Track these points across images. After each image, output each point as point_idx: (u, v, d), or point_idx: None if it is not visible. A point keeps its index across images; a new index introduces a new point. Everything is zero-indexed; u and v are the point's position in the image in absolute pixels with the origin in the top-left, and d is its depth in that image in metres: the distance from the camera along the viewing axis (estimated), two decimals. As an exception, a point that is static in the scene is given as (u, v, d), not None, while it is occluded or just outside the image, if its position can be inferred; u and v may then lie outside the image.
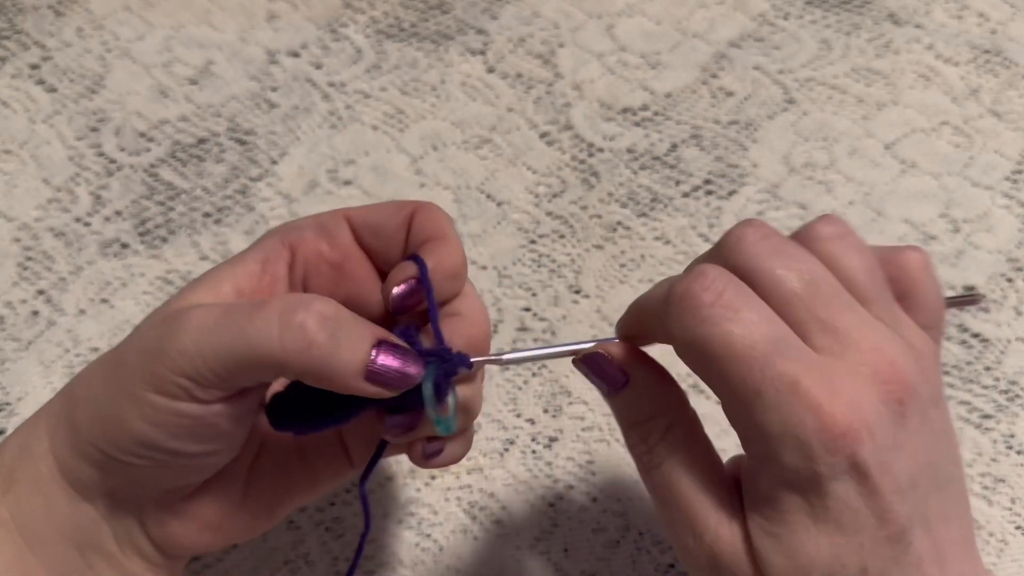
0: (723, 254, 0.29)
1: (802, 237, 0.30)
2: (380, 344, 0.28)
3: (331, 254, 0.33)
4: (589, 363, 0.32)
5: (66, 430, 0.30)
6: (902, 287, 0.30)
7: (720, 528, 0.28)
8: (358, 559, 0.35)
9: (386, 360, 0.28)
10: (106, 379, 0.30)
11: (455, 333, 0.31)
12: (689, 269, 0.29)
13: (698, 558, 0.29)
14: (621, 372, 0.31)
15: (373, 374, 0.28)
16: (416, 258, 0.31)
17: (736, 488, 0.29)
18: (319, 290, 0.33)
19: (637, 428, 0.31)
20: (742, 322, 0.27)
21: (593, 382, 0.32)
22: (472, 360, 0.30)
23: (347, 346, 0.28)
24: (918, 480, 0.27)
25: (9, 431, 0.43)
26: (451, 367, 0.30)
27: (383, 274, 0.34)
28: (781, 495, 0.27)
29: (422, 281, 0.31)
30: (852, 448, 0.26)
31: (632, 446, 0.31)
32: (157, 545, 0.32)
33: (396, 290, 0.31)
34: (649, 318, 0.31)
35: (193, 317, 0.28)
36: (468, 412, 0.32)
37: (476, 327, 0.32)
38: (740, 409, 0.27)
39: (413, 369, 0.29)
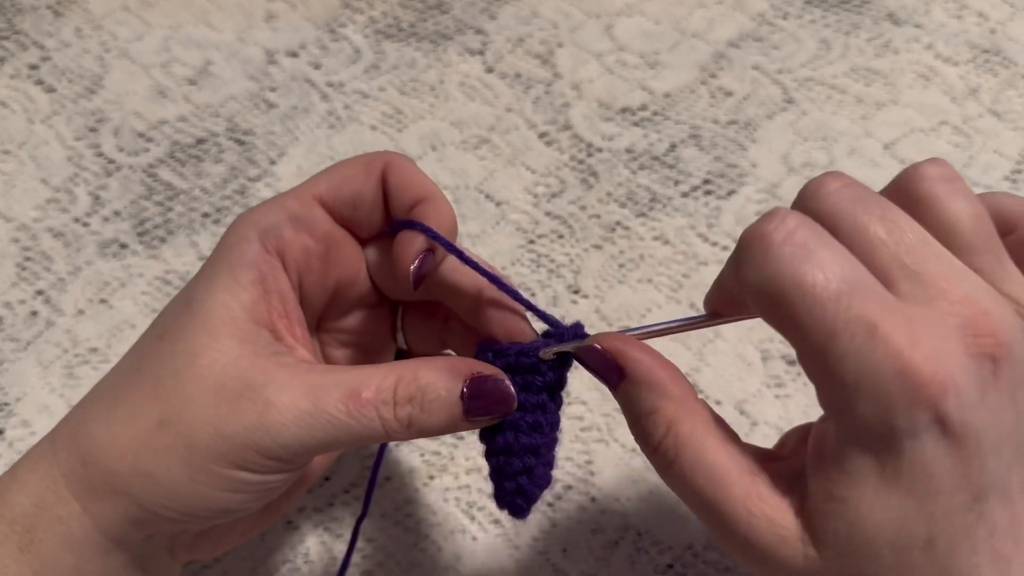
0: (802, 202, 0.28)
1: (906, 177, 0.28)
2: (464, 390, 0.30)
3: (316, 247, 0.32)
4: (583, 357, 0.30)
5: (113, 499, 0.29)
6: (1016, 241, 0.28)
7: (752, 519, 0.27)
8: (354, 543, 0.35)
9: (476, 400, 0.30)
10: (171, 456, 0.29)
11: (427, 219, 0.31)
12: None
13: (738, 551, 0.28)
14: (616, 366, 0.29)
15: (473, 414, 0.30)
16: (417, 225, 0.31)
17: (776, 468, 0.28)
18: (313, 288, 0.33)
19: (638, 424, 0.29)
20: (815, 261, 0.25)
21: (594, 375, 0.30)
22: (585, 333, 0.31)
23: (439, 410, 0.30)
24: (1002, 446, 0.25)
25: (7, 431, 0.44)
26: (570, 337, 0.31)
27: (361, 240, 0.34)
28: (851, 454, 0.25)
29: (455, 251, 0.31)
30: (935, 401, 0.24)
31: (640, 444, 0.30)
32: (179, 563, 0.33)
33: (414, 267, 0.31)
34: (728, 283, 0.29)
35: (285, 408, 0.28)
36: None
37: (446, 214, 0.32)
38: (813, 356, 0.25)
39: (504, 388, 0.30)
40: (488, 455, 0.31)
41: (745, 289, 0.27)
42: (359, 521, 0.36)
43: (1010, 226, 0.28)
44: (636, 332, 0.31)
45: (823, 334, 0.25)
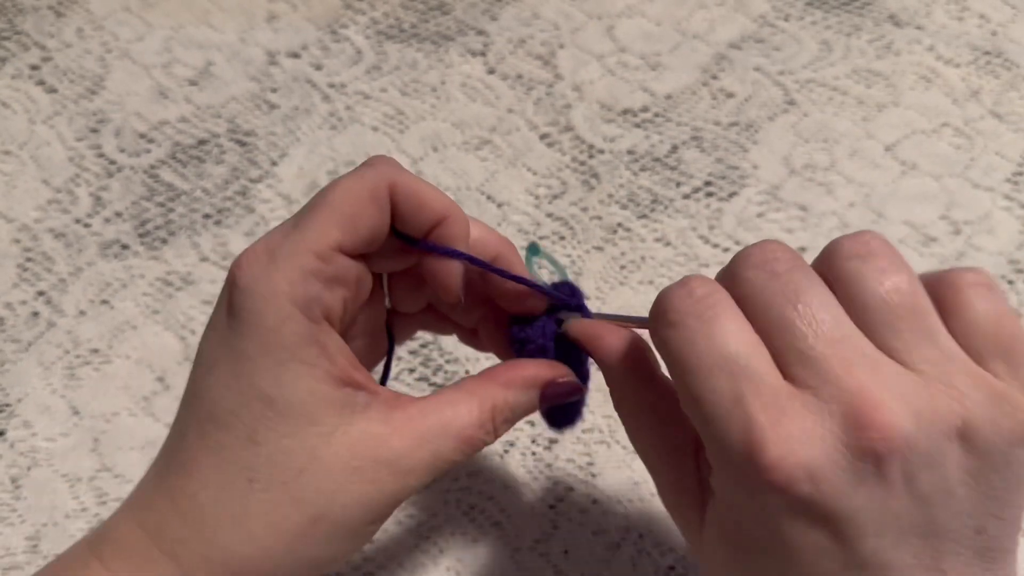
0: (730, 267, 0.29)
1: (825, 254, 0.28)
2: (542, 396, 0.33)
3: (350, 294, 0.31)
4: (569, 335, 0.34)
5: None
6: (952, 312, 0.26)
7: (680, 496, 0.31)
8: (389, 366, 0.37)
9: (551, 399, 0.34)
10: (333, 544, 0.31)
11: (453, 240, 0.32)
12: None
13: (670, 510, 0.32)
14: (573, 386, 0.34)
15: (547, 403, 0.34)
16: (454, 253, 0.31)
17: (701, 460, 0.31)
18: (348, 321, 0.32)
19: (611, 396, 0.33)
20: (705, 334, 0.26)
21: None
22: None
23: (524, 412, 0.33)
24: (885, 529, 0.25)
25: (9, 432, 0.44)
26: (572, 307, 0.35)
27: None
28: (724, 510, 0.28)
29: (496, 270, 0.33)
30: (783, 485, 0.25)
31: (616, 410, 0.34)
32: None
33: (461, 292, 0.32)
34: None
35: (416, 470, 0.31)
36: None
37: (466, 228, 0.33)
38: (692, 416, 0.28)
39: (574, 383, 0.34)
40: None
41: (653, 344, 0.29)
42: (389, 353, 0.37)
43: (941, 295, 0.27)
44: (612, 319, 0.35)
45: (692, 397, 0.27)
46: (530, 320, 0.34)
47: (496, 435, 0.33)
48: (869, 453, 0.24)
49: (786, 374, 0.26)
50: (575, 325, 0.34)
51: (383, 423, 0.31)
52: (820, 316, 0.26)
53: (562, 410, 0.35)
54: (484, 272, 0.33)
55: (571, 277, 0.48)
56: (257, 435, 0.29)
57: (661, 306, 0.28)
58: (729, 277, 0.28)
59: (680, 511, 0.31)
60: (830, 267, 0.27)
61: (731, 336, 0.26)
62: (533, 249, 0.35)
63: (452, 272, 0.32)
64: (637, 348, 0.33)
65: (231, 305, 0.29)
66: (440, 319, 0.37)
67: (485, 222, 0.49)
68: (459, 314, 0.36)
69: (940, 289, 0.27)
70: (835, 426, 0.25)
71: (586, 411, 0.44)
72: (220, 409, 0.30)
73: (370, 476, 0.30)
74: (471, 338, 0.37)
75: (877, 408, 0.24)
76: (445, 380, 0.45)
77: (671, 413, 0.31)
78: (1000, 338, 0.26)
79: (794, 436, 0.25)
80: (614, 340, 0.33)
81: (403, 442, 0.30)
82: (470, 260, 0.31)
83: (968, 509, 0.25)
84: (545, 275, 0.36)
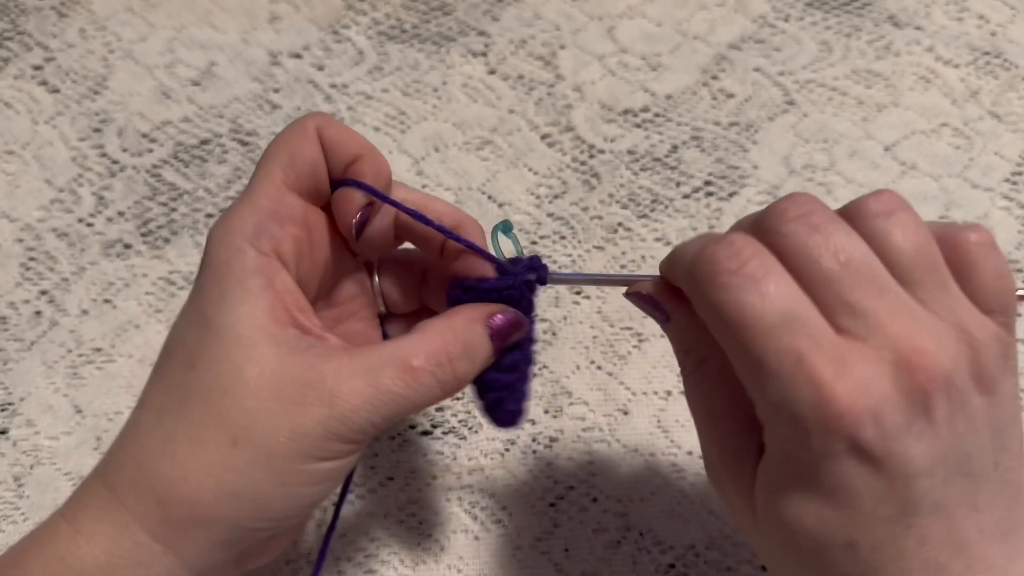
0: (763, 223, 0.29)
1: (850, 212, 0.29)
2: (490, 327, 0.33)
3: (301, 233, 0.33)
4: (635, 297, 0.34)
5: (198, 530, 0.30)
6: (960, 268, 0.29)
7: (724, 467, 0.31)
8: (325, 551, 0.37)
9: (500, 333, 0.33)
10: (256, 470, 0.30)
11: (364, 176, 0.33)
12: (728, 231, 0.30)
13: (711, 477, 0.32)
14: (661, 308, 0.33)
15: (499, 342, 0.33)
16: (351, 182, 0.32)
17: (756, 433, 0.30)
18: (307, 273, 0.33)
19: (679, 357, 0.33)
20: (759, 294, 0.27)
21: (647, 312, 0.34)
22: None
23: (479, 353, 0.33)
24: (936, 468, 0.27)
25: (11, 431, 0.44)
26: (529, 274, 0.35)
27: (323, 208, 0.34)
28: (776, 461, 0.28)
29: (398, 204, 0.33)
30: (850, 431, 0.26)
31: (681, 371, 0.34)
32: (242, 573, 0.34)
33: (355, 221, 0.33)
34: (680, 268, 0.31)
35: (349, 395, 0.30)
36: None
37: (383, 167, 0.33)
38: (746, 376, 0.28)
39: (518, 316, 0.34)
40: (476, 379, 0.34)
41: (694, 301, 0.29)
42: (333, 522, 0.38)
43: (952, 253, 0.29)
44: (588, 277, 0.36)
45: (752, 359, 0.27)
46: (470, 286, 0.34)
47: (454, 372, 0.32)
48: (919, 393, 0.26)
49: (835, 325, 0.27)
50: (649, 285, 0.34)
51: (313, 352, 0.31)
52: (864, 270, 0.27)
53: (502, 407, 0.35)
54: (445, 242, 0.34)
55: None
56: (194, 357, 0.30)
57: (712, 267, 0.28)
58: (767, 232, 0.29)
59: (731, 476, 0.31)
60: (858, 223, 0.29)
61: (784, 293, 0.27)
62: (504, 226, 0.35)
63: (349, 200, 0.33)
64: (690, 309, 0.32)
65: (202, 258, 0.32)
66: (409, 296, 0.37)
67: (486, 223, 0.50)
68: (435, 300, 0.37)
69: (950, 245, 0.29)
70: (888, 371, 0.26)
71: (587, 410, 0.44)
72: (171, 339, 0.31)
73: (296, 399, 0.30)
74: None
75: (923, 353, 0.26)
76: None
77: (724, 373, 0.31)
78: (1000, 292, 0.29)
79: (858, 385, 0.26)
80: (690, 307, 0.32)
81: (335, 368, 0.30)
82: (372, 192, 0.32)
83: (988, 443, 0.28)
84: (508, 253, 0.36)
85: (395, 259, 0.37)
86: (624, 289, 0.35)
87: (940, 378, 0.26)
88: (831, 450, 0.26)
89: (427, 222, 0.33)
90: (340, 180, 0.33)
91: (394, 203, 0.33)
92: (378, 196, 0.33)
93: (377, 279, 0.37)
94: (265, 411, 0.29)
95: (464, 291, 0.34)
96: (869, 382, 0.26)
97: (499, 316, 0.33)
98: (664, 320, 0.33)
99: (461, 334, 0.32)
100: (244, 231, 0.31)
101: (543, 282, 0.35)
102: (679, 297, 0.32)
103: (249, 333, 0.30)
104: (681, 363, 0.33)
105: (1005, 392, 0.28)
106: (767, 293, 0.27)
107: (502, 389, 0.34)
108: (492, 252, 0.34)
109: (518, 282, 0.34)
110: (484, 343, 0.33)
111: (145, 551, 0.29)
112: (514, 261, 0.34)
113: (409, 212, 0.33)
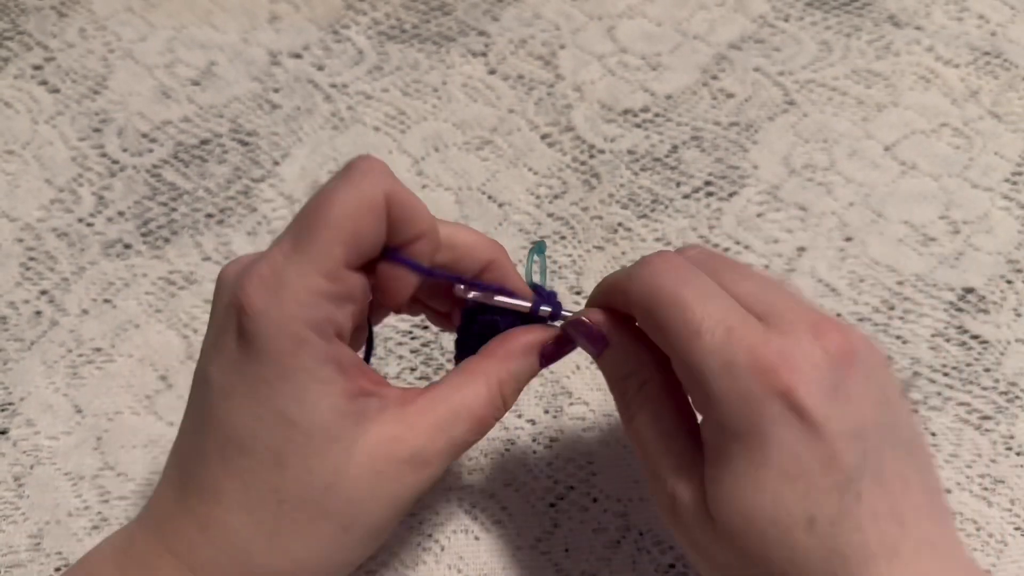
0: (666, 256, 0.33)
1: (701, 262, 0.33)
2: (542, 357, 0.35)
3: (356, 309, 0.32)
4: (574, 328, 0.35)
5: None
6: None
7: (678, 482, 0.31)
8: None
9: (550, 359, 0.35)
10: (366, 542, 0.33)
11: (420, 258, 0.33)
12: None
13: (663, 503, 0.32)
14: (600, 335, 0.34)
15: (545, 365, 0.35)
16: (415, 267, 0.32)
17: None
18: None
19: (618, 384, 0.34)
20: (693, 283, 0.31)
21: (581, 345, 0.35)
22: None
23: (528, 378, 0.35)
24: (866, 431, 0.28)
25: (12, 431, 0.44)
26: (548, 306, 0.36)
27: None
28: (723, 442, 0.29)
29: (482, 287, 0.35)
30: (786, 388, 0.28)
31: (616, 401, 0.35)
32: None
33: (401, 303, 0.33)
34: (613, 291, 0.34)
35: (435, 458, 0.32)
36: None
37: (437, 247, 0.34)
38: (682, 355, 0.30)
39: (564, 344, 0.35)
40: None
41: (631, 298, 0.32)
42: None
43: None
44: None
45: (690, 331, 0.29)
46: (485, 318, 0.36)
47: (506, 407, 0.34)
48: (840, 357, 0.29)
49: (754, 314, 0.30)
50: (595, 314, 0.35)
51: (397, 422, 0.32)
52: (763, 281, 0.32)
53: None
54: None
55: (572, 277, 0.48)
56: (282, 458, 0.30)
57: (652, 263, 0.32)
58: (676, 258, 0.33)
59: (691, 492, 0.31)
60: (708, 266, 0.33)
61: (712, 286, 0.31)
62: (539, 247, 0.36)
63: (407, 286, 0.32)
64: (624, 326, 0.35)
65: (242, 332, 0.29)
66: (414, 302, 0.37)
67: (486, 222, 0.50)
68: (435, 301, 0.37)
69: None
70: (808, 339, 0.29)
71: (587, 410, 0.44)
72: (242, 435, 0.30)
73: (393, 476, 0.31)
74: (443, 320, 0.38)
75: (836, 327, 0.29)
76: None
77: (679, 399, 0.33)
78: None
79: (785, 346, 0.28)
80: (634, 329, 0.34)
81: (419, 437, 0.32)
82: (426, 272, 0.33)
83: (907, 418, 0.30)
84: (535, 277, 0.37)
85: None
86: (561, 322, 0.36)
87: (853, 343, 0.29)
88: (771, 412, 0.28)
89: (474, 285, 0.35)
90: (392, 250, 0.31)
91: (444, 277, 0.34)
92: (430, 275, 0.33)
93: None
94: (370, 498, 0.31)
95: (483, 311, 0.35)
96: (794, 346, 0.28)
97: (551, 346, 0.35)
98: (602, 348, 0.34)
99: (515, 367, 0.34)
100: (307, 319, 0.29)
101: (555, 318, 0.36)
102: (618, 318, 0.34)
103: (336, 425, 0.30)
104: (620, 392, 0.34)
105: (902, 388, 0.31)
106: (699, 283, 0.31)
107: None
108: (523, 273, 0.36)
109: (546, 317, 0.36)
110: (534, 368, 0.35)
111: None
112: (536, 289, 0.36)
113: (455, 279, 0.34)
